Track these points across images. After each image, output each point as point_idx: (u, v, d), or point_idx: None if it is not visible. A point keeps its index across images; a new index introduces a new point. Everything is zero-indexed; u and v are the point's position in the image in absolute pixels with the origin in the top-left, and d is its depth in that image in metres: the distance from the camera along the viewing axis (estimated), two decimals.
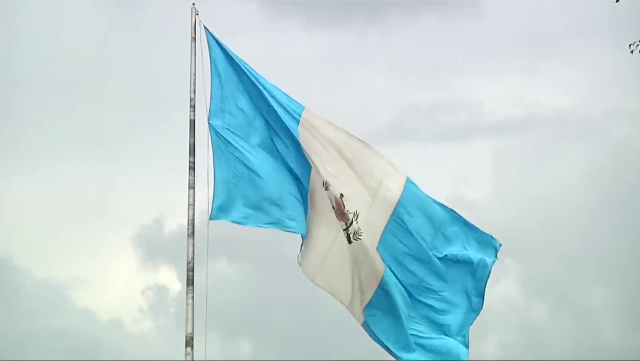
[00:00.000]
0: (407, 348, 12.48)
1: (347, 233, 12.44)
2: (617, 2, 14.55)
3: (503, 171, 37.38)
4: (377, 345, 12.70)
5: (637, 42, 14.51)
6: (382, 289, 12.43)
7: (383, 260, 12.43)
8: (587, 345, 29.46)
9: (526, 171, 37.61)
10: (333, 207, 12.50)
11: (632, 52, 14.60)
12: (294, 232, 12.56)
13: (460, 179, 37.82)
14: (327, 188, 12.53)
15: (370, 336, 12.65)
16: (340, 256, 12.53)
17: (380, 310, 12.51)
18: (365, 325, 12.65)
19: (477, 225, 13.07)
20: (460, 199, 35.38)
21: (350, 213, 12.45)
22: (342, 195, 12.49)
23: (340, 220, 12.49)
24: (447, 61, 43.16)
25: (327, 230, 12.57)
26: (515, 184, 36.75)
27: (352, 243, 12.44)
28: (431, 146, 40.64)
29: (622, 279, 30.86)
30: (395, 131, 39.47)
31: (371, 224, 12.46)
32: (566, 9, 40.51)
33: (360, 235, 12.42)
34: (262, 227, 12.42)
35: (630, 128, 35.90)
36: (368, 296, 12.49)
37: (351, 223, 12.44)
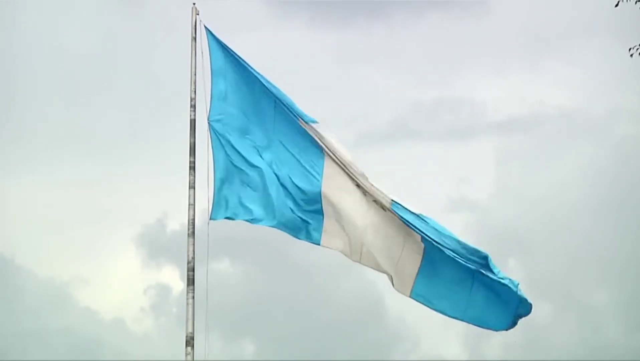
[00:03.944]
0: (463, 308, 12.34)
1: (379, 204, 12.46)
2: (617, 6, 14.59)
3: (505, 170, 37.37)
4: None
5: (637, 46, 14.57)
6: (428, 258, 12.35)
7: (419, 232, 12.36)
8: (590, 345, 29.41)
9: (529, 170, 37.59)
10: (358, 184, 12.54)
11: (631, 55, 14.65)
12: (289, 233, 12.53)
13: (462, 178, 37.85)
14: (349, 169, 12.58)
15: (424, 304, 12.46)
16: (376, 230, 12.47)
17: (431, 275, 12.37)
18: (414, 295, 12.44)
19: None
20: (463, 199, 35.44)
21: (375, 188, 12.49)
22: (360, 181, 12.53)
23: (370, 193, 12.49)
24: (450, 60, 43.19)
25: (355, 211, 12.56)
26: (517, 184, 36.73)
27: (387, 211, 12.42)
28: (434, 145, 40.70)
29: (626, 278, 30.81)
30: (397, 130, 39.51)
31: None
32: (569, 8, 40.53)
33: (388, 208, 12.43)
34: (260, 225, 12.43)
35: (632, 127, 35.88)
36: (416, 267, 12.40)
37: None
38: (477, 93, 42.14)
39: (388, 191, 12.52)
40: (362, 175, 12.55)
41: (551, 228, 33.08)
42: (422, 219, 12.32)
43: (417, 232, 12.30)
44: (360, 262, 12.57)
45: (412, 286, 12.40)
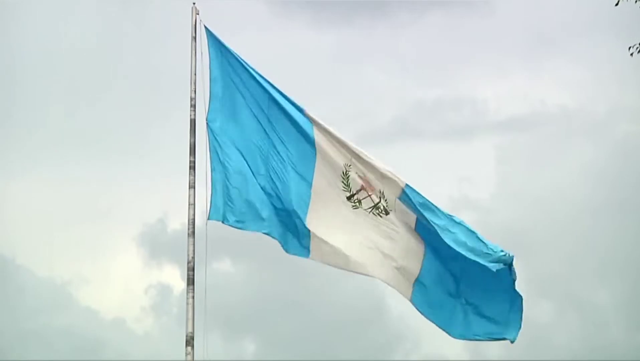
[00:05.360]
0: (451, 323, 12.29)
1: (382, 205, 12.41)
2: (617, 5, 14.61)
3: (507, 169, 37.37)
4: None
5: (637, 45, 14.59)
6: (429, 261, 12.31)
7: (420, 235, 12.34)
8: (592, 344, 29.40)
9: (530, 169, 37.59)
10: (362, 185, 12.48)
11: (631, 54, 14.67)
12: (280, 243, 12.52)
13: (464, 178, 37.86)
14: (348, 170, 12.50)
15: (419, 310, 12.36)
16: (371, 237, 12.42)
17: (428, 282, 12.32)
18: (413, 300, 12.37)
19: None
20: (464, 198, 35.38)
21: (377, 189, 12.42)
22: (365, 173, 12.46)
23: (372, 193, 12.45)
24: (451, 59, 43.16)
25: (346, 219, 12.52)
26: (519, 183, 36.71)
27: (390, 213, 12.40)
28: (435, 144, 40.66)
29: (627, 277, 30.80)
30: (399, 129, 39.52)
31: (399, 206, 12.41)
32: (570, 7, 40.48)
33: (391, 209, 12.37)
34: (255, 232, 12.44)
35: (634, 126, 35.84)
36: (416, 270, 12.35)
37: (383, 194, 12.41)
38: (478, 92, 42.13)
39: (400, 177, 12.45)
40: (371, 166, 12.48)
41: (553, 227, 33.08)
42: (434, 210, 12.24)
43: (420, 225, 12.28)
44: (350, 269, 12.53)
45: (412, 291, 12.36)
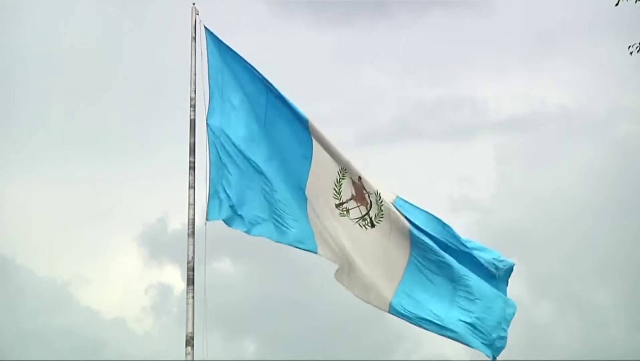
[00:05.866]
0: (446, 317, 12.24)
1: (369, 217, 12.37)
2: (617, 5, 14.64)
3: (507, 169, 37.39)
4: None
5: (636, 45, 14.62)
6: (414, 260, 12.28)
7: (409, 228, 12.31)
8: (592, 344, 29.40)
9: (530, 169, 37.62)
10: (352, 195, 12.45)
11: (631, 53, 14.70)
12: (282, 243, 12.51)
13: (464, 178, 37.90)
14: (343, 176, 12.48)
15: (402, 317, 12.25)
16: (350, 247, 12.37)
17: (414, 282, 12.28)
18: (394, 308, 12.23)
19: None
20: (464, 198, 35.40)
21: (370, 195, 12.39)
22: (360, 178, 12.44)
23: (361, 205, 12.44)
24: (451, 59, 43.19)
25: (331, 225, 12.49)
26: (519, 183, 36.72)
27: (376, 226, 12.38)
28: (435, 144, 40.69)
29: (628, 277, 30.79)
30: (399, 129, 39.55)
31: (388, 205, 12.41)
32: (571, 7, 40.50)
33: (382, 217, 12.34)
34: (254, 235, 12.44)
35: (634, 126, 35.84)
36: (398, 277, 12.28)
37: (371, 206, 12.38)
38: (478, 92, 42.18)
39: (392, 188, 12.49)
40: (360, 176, 12.48)
41: (553, 227, 33.08)
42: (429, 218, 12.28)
43: (416, 232, 12.27)
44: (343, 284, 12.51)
45: (391, 301, 12.27)
